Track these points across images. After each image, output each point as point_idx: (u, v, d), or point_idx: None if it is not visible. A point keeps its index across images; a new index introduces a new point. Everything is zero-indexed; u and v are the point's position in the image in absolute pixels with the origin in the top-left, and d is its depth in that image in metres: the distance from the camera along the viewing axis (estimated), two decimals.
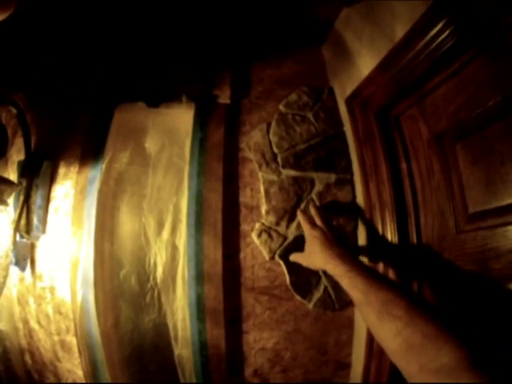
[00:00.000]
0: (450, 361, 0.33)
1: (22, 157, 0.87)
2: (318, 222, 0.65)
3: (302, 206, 0.73)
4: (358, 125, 0.78)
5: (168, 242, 0.71)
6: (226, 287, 0.71)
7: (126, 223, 0.74)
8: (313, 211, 0.68)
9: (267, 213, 0.72)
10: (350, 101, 0.80)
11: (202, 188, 0.69)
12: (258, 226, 0.73)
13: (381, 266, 0.69)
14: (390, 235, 0.70)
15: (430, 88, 0.63)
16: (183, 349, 0.76)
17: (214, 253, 0.69)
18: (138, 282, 0.75)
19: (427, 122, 0.67)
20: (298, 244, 0.74)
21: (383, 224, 0.73)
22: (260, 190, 0.74)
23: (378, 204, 0.74)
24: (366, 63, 0.75)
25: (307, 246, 0.63)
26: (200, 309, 0.71)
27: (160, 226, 0.72)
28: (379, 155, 0.75)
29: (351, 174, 0.79)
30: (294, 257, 0.67)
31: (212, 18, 0.77)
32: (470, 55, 0.51)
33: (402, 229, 0.70)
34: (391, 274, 0.67)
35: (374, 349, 0.72)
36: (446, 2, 0.49)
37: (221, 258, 0.70)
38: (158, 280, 0.73)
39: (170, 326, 0.75)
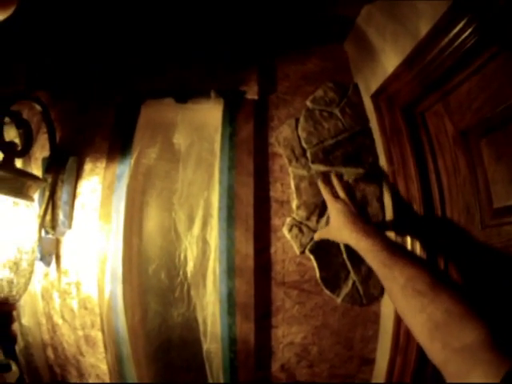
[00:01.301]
0: (474, 340, 0.33)
1: (45, 154, 0.87)
2: (341, 194, 0.64)
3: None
4: (384, 121, 0.79)
5: (199, 237, 0.71)
6: (256, 282, 0.71)
7: (156, 218, 0.74)
8: (335, 182, 0.67)
9: (298, 207, 0.73)
10: (375, 97, 0.80)
11: (234, 182, 0.69)
12: (288, 220, 0.73)
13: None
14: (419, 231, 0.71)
15: (454, 85, 0.63)
16: (212, 343, 0.76)
17: (246, 247, 0.69)
18: (167, 277, 0.75)
19: (452, 119, 0.67)
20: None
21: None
22: (290, 184, 0.74)
23: (406, 199, 0.74)
24: (390, 60, 0.76)
25: (331, 220, 0.63)
26: (231, 303, 0.71)
27: (190, 220, 0.72)
28: (406, 151, 0.75)
29: (378, 169, 0.79)
30: (319, 234, 0.67)
31: (238, 14, 0.77)
32: (492, 52, 0.51)
33: (429, 224, 0.70)
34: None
35: (400, 343, 0.73)
36: (465, 1, 0.49)
37: (252, 252, 0.70)
38: (188, 275, 0.73)
39: (200, 320, 0.75)
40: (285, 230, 0.73)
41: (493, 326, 0.34)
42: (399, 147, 0.76)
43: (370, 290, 0.76)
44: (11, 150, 0.75)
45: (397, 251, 0.48)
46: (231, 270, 0.70)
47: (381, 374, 0.76)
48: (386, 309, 0.76)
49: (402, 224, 0.73)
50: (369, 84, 0.83)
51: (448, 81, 0.62)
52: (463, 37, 0.50)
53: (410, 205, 0.73)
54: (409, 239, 0.70)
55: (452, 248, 0.65)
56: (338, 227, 0.60)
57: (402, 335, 0.71)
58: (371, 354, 0.79)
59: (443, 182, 0.72)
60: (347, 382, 0.78)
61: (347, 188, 0.66)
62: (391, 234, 0.74)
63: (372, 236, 0.52)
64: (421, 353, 0.67)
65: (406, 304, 0.42)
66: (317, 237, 0.68)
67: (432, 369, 0.67)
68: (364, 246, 0.52)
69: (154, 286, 0.76)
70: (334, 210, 0.62)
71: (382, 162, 0.79)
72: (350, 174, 0.76)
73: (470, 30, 0.49)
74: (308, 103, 0.80)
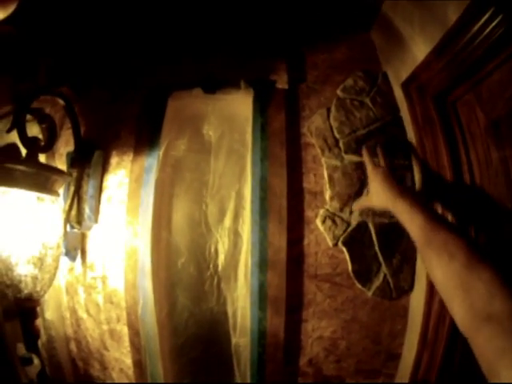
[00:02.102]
0: (502, 309, 0.33)
1: (69, 149, 0.87)
2: (382, 162, 0.67)
3: (365, 191, 0.72)
4: (416, 110, 0.77)
5: (230, 230, 0.70)
6: (288, 275, 0.70)
7: (185, 211, 0.73)
8: (379, 151, 0.69)
9: (331, 198, 0.71)
10: (406, 85, 0.78)
11: (266, 174, 0.68)
12: (322, 212, 0.72)
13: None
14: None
15: (485, 74, 0.61)
16: (241, 337, 0.76)
17: (279, 239, 0.68)
18: (197, 270, 0.74)
19: (483, 109, 0.65)
20: (361, 230, 0.73)
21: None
22: (323, 175, 0.72)
23: (439, 191, 0.73)
24: (419, 48, 0.74)
25: (369, 186, 0.65)
26: (262, 297, 0.70)
27: (222, 213, 0.70)
28: (439, 141, 0.73)
29: (410, 159, 0.77)
30: (358, 203, 0.69)
31: (266, 4, 0.75)
32: None
33: (461, 215, 0.68)
34: None
35: (428, 339, 0.71)
36: None
37: (285, 244, 0.69)
38: (219, 268, 0.72)
39: (230, 313, 0.74)
40: (318, 222, 0.72)
41: None
42: (432, 137, 0.74)
43: (401, 284, 0.75)
44: (34, 146, 0.75)
45: (433, 216, 0.48)
46: (263, 263, 0.69)
47: (406, 370, 0.74)
48: (415, 303, 0.75)
49: (431, 187, 0.72)
50: (398, 73, 0.81)
51: (479, 70, 0.60)
52: (493, 25, 0.49)
53: (444, 197, 0.72)
54: (440, 202, 0.69)
55: (486, 241, 0.63)
56: (377, 192, 0.61)
57: (431, 330, 0.70)
58: (398, 348, 0.78)
59: (475, 173, 0.70)
60: (376, 383, 0.77)
61: (388, 158, 0.68)
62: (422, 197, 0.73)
63: (409, 200, 0.53)
64: (448, 348, 0.66)
65: (439, 267, 0.42)
66: (356, 207, 0.70)
67: (458, 365, 0.67)
68: (402, 209, 0.53)
69: (182, 279, 0.75)
70: (373, 175, 0.64)
71: (415, 152, 0.77)
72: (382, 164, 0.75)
73: (499, 18, 0.47)
74: (339, 92, 0.78)
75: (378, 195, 0.61)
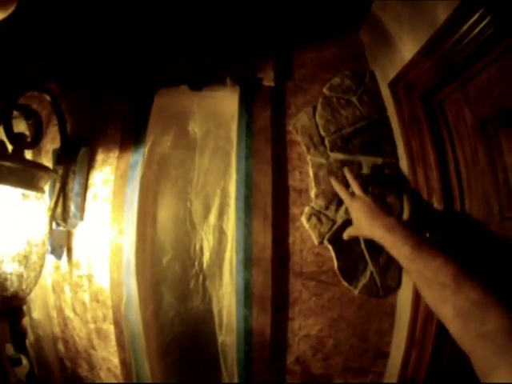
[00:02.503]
0: (495, 327, 0.34)
1: (55, 146, 0.86)
2: (357, 190, 0.64)
3: (350, 189, 0.72)
4: (403, 108, 0.77)
5: (215, 227, 0.70)
6: (274, 272, 0.70)
7: (170, 208, 0.73)
8: (350, 178, 0.66)
9: (316, 196, 0.71)
10: (393, 84, 0.78)
11: (251, 171, 0.68)
12: (307, 209, 0.72)
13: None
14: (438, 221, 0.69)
15: (473, 74, 0.61)
16: (227, 336, 0.75)
17: (264, 237, 0.68)
18: (182, 268, 0.73)
19: (471, 108, 0.65)
20: (347, 228, 0.73)
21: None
22: (309, 173, 0.72)
23: (425, 189, 0.73)
24: (407, 47, 0.74)
25: (352, 218, 0.63)
26: (247, 295, 0.70)
27: (207, 210, 0.70)
28: (426, 139, 0.73)
29: (397, 158, 0.77)
30: (347, 233, 0.67)
31: (254, 2, 0.76)
32: (508, 43, 0.49)
33: (448, 215, 0.69)
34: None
35: (416, 337, 0.71)
36: None
37: (270, 242, 0.69)
38: (204, 266, 0.71)
39: (215, 312, 0.74)
40: (303, 220, 0.72)
41: None
42: (418, 136, 0.75)
43: (388, 282, 0.75)
44: (21, 141, 0.74)
45: (420, 243, 0.48)
46: (248, 261, 0.69)
47: (395, 368, 0.74)
48: (403, 301, 0.75)
49: (420, 214, 0.72)
50: (386, 72, 0.81)
51: (467, 69, 0.61)
52: (481, 25, 0.49)
53: (430, 195, 0.72)
54: (427, 229, 0.68)
55: (470, 239, 0.64)
56: (360, 225, 0.60)
57: (419, 328, 0.70)
58: (386, 347, 0.77)
59: (462, 173, 0.70)
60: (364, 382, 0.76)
61: (363, 182, 0.66)
62: (410, 224, 0.73)
63: (393, 230, 0.52)
64: (436, 346, 0.66)
65: (431, 295, 0.43)
66: (345, 236, 0.68)
67: (447, 364, 0.67)
68: (387, 242, 0.52)
69: (168, 277, 0.75)
70: (352, 209, 0.62)
71: (401, 150, 0.77)
72: (368, 162, 0.75)
73: (488, 19, 0.48)
74: (325, 90, 0.78)
75: (360, 228, 0.60)
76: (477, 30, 0.50)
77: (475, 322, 0.37)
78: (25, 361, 0.81)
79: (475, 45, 0.53)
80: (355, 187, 0.64)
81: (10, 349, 0.79)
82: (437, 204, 0.71)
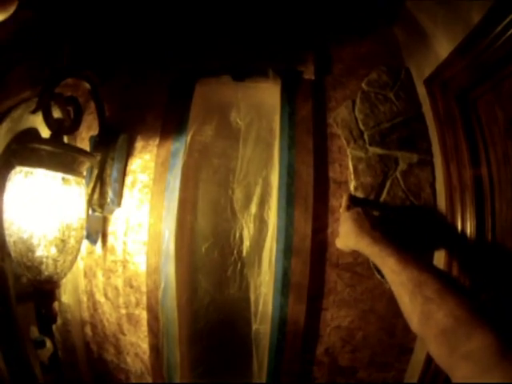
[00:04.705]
0: (479, 346, 0.33)
1: (91, 133, 0.86)
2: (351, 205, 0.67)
3: (388, 184, 0.74)
4: (438, 106, 0.78)
5: (256, 216, 0.71)
6: (312, 262, 0.71)
7: (211, 196, 0.74)
8: (344, 198, 0.70)
9: (355, 189, 0.73)
10: (429, 82, 0.80)
11: (294, 161, 0.69)
12: None
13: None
14: (469, 219, 0.70)
15: (506, 74, 0.63)
16: (262, 324, 0.76)
17: (304, 227, 0.69)
18: (221, 256, 0.75)
19: (503, 108, 0.67)
20: (384, 221, 0.74)
21: (463, 207, 0.73)
22: (348, 166, 0.74)
23: (458, 187, 0.74)
24: (442, 45, 0.75)
25: (340, 228, 0.64)
26: (285, 283, 0.71)
27: (248, 199, 0.71)
28: (460, 137, 0.75)
29: (431, 155, 0.79)
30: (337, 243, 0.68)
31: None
32: None
33: (479, 213, 0.70)
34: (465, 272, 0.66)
35: None
36: None
37: (310, 232, 0.70)
38: (244, 253, 0.73)
39: (252, 300, 0.75)
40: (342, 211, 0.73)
41: (503, 331, 0.33)
42: (453, 134, 0.76)
43: None
44: (60, 127, 0.75)
45: (405, 256, 0.47)
46: (288, 250, 0.70)
47: (417, 365, 0.74)
48: None
49: (452, 212, 0.73)
50: (421, 69, 0.82)
51: (500, 70, 0.62)
52: None
53: (462, 192, 0.74)
54: (459, 225, 0.70)
55: (501, 245, 0.64)
56: (346, 234, 0.61)
57: None
58: (411, 343, 0.78)
59: (493, 172, 0.71)
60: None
61: (359, 203, 0.69)
62: (443, 221, 0.74)
63: (379, 241, 0.52)
64: None
65: (413, 310, 0.41)
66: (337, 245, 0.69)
67: None
68: (372, 252, 0.52)
69: (206, 264, 0.76)
70: (343, 217, 0.64)
71: (435, 148, 0.79)
72: (404, 158, 0.76)
73: None
74: (363, 85, 0.79)
75: (347, 237, 0.60)
76: (511, 31, 0.51)
77: (459, 340, 0.35)
78: (49, 343, 0.82)
79: (509, 45, 0.54)
80: (348, 203, 0.68)
81: (34, 331, 0.80)
82: (469, 202, 0.72)
